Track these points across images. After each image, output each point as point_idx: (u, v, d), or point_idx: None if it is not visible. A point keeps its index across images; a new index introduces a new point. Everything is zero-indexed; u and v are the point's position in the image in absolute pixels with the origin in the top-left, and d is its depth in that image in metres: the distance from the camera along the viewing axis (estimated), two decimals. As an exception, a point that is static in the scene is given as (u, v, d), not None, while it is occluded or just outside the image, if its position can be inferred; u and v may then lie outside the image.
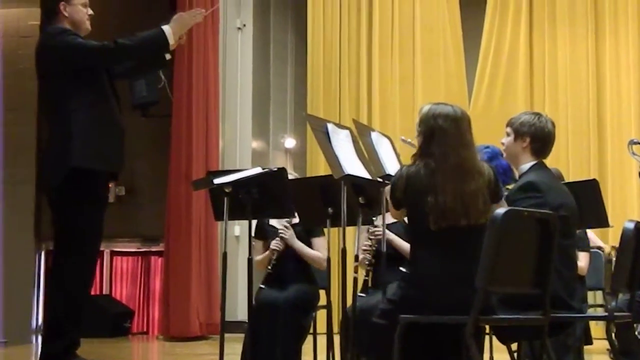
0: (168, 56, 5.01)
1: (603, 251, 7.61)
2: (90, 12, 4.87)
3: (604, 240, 8.52)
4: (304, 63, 11.22)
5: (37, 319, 11.04)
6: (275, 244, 5.87)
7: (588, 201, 5.45)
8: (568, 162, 9.99)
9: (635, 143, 8.11)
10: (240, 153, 10.70)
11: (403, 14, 11.11)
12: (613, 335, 5.07)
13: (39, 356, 4.49)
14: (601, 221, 6.08)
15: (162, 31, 4.72)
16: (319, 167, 10.40)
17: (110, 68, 4.88)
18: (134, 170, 10.74)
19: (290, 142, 11.51)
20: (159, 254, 11.11)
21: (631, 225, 4.65)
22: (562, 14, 10.90)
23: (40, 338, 10.44)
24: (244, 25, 11.00)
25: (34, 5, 11.39)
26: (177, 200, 9.58)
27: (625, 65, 10.59)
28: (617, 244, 7.20)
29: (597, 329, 7.83)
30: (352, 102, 10.92)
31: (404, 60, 11.05)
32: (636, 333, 6.74)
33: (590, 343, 7.11)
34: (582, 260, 6.01)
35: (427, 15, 11.12)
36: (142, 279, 11.62)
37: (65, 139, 4.50)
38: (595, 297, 8.53)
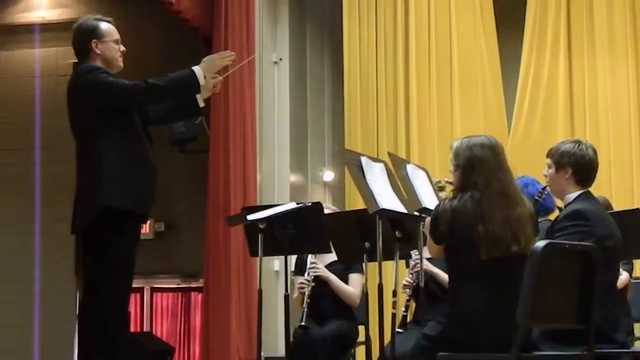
0: (202, 103, 4.99)
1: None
2: (123, 49, 4.87)
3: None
4: (341, 95, 11.19)
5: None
6: (300, 286, 5.84)
7: (633, 231, 5.33)
8: (611, 191, 9.83)
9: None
10: (279, 187, 10.66)
11: (440, 45, 11.06)
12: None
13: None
14: (640, 252, 5.97)
15: (192, 71, 4.69)
16: (358, 201, 10.29)
17: (145, 114, 4.86)
18: (172, 206, 10.77)
19: (328, 176, 11.47)
20: (198, 290, 11.11)
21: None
22: (602, 41, 10.80)
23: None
24: (281, 59, 11.00)
25: (68, 44, 11.46)
26: (215, 236, 9.56)
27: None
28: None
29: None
30: (390, 135, 10.87)
31: (442, 92, 10.99)
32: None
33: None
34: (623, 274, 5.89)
35: (464, 45, 11.07)
36: (182, 316, 11.61)
37: (96, 179, 4.47)
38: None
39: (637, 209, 6.18)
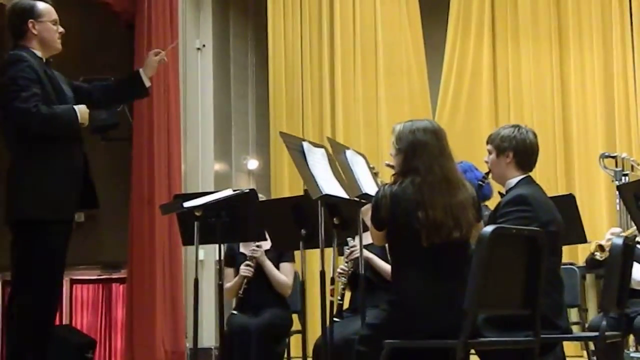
0: (148, 82, 4.96)
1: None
2: (62, 30, 4.70)
3: (573, 257, 8.49)
4: (266, 83, 11.12)
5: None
6: (244, 269, 5.78)
7: (566, 217, 5.36)
8: (535, 177, 9.93)
9: (607, 157, 8.12)
10: (203, 176, 10.59)
11: (365, 34, 11.07)
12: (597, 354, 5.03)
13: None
14: (580, 237, 6.03)
15: (74, 109, 4.57)
16: (284, 189, 10.31)
17: (89, 99, 4.74)
18: (92, 196, 10.56)
19: (252, 164, 11.42)
20: (120, 280, 10.92)
21: (619, 242, 4.57)
22: (525, 29, 10.91)
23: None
24: (204, 45, 10.90)
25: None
26: (140, 226, 9.44)
27: (590, 80, 10.61)
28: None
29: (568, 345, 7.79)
30: (316, 123, 10.84)
31: (367, 80, 10.99)
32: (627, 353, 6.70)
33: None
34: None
35: (388, 34, 11.09)
36: (104, 308, 11.39)
37: (15, 186, 4.38)
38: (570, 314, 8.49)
39: (570, 194, 6.24)
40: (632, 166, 7.84)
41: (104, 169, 10.33)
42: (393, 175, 4.15)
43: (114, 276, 11.18)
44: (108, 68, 9.80)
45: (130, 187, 9.64)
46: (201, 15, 11.04)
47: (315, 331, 5.83)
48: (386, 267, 5.13)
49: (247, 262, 5.81)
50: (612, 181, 7.92)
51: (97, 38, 10.51)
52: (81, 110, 4.55)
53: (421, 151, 4.04)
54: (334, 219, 4.62)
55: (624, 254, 4.65)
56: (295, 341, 5.81)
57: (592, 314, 7.59)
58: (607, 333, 4.71)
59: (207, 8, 11.06)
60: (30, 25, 4.53)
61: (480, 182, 4.82)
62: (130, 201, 9.61)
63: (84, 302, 11.12)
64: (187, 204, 4.93)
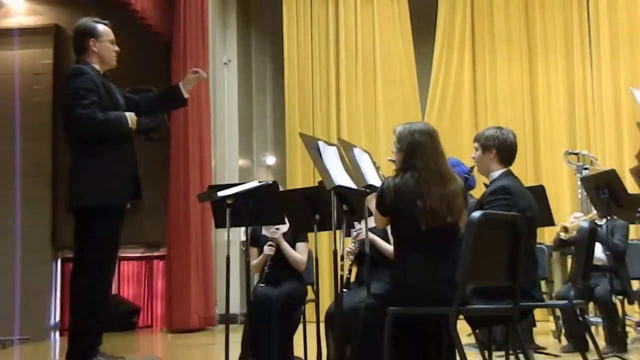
0: (186, 95, 4.91)
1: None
2: (117, 49, 4.67)
3: (540, 237, 8.46)
4: (281, 91, 11.13)
5: (54, 318, 10.82)
6: (267, 248, 5.77)
7: (538, 204, 5.35)
8: (509, 171, 9.93)
9: (570, 153, 8.10)
10: (229, 170, 10.63)
11: (365, 50, 11.08)
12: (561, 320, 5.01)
13: (65, 356, 4.28)
14: (548, 221, 6.02)
15: (125, 116, 4.56)
16: (297, 181, 10.31)
17: (136, 108, 4.72)
18: (138, 187, 10.57)
19: (270, 160, 11.43)
20: (160, 258, 10.93)
21: (586, 225, 4.56)
22: (500, 46, 10.93)
23: (56, 335, 10.28)
24: (230, 60, 10.92)
25: (47, 46, 11.23)
26: (176, 212, 9.48)
27: (554, 89, 10.62)
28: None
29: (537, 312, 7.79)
30: (324, 124, 10.87)
31: (367, 89, 11.01)
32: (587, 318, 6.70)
33: (535, 325, 7.03)
34: None
35: (385, 50, 11.11)
36: (146, 280, 11.42)
37: (79, 179, 4.36)
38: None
39: (541, 185, 6.22)
40: (592, 161, 7.83)
41: (145, 165, 10.32)
42: (395, 170, 4.13)
43: (155, 254, 11.19)
44: (149, 81, 9.78)
45: (168, 180, 9.64)
46: (227, 35, 11.05)
47: (326, 300, 5.82)
48: (387, 247, 5.10)
49: (270, 242, 5.80)
50: (575, 174, 7.88)
51: (140, 55, 10.48)
52: (131, 116, 4.54)
53: (418, 150, 4.02)
54: (344, 206, 4.58)
55: (590, 235, 4.64)
56: (309, 309, 5.78)
57: (558, 285, 7.57)
58: (574, 301, 4.71)
59: (232, 29, 11.07)
60: (91, 43, 4.50)
61: (467, 175, 4.80)
62: (169, 191, 9.62)
63: (130, 275, 11.15)
64: (220, 193, 4.90)
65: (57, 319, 10.92)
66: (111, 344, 4.40)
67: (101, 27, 4.56)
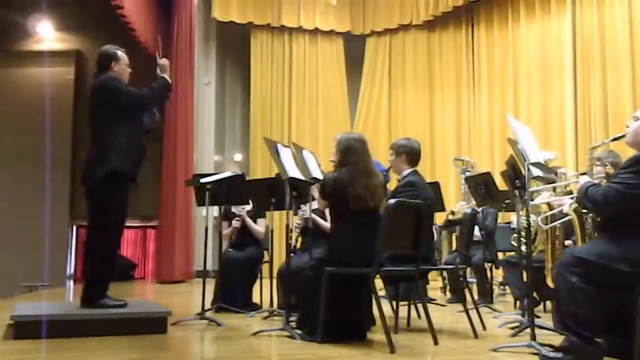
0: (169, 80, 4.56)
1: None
2: (130, 70, 4.50)
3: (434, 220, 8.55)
4: (248, 106, 11.08)
5: (69, 269, 10.58)
6: (235, 222, 5.71)
7: (434, 195, 5.39)
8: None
9: (457, 159, 8.19)
10: (207, 163, 10.50)
11: (311, 78, 11.09)
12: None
13: (81, 297, 4.15)
14: (441, 207, 6.07)
15: (167, 80, 4.43)
16: (257, 173, 10.26)
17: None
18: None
19: (238, 157, 11.32)
20: (152, 227, 10.74)
21: (468, 211, 4.63)
22: (410, 81, 11.08)
23: (71, 282, 10.04)
24: (209, 81, 10.79)
25: (69, 65, 10.98)
26: (166, 192, 9.35)
27: (447, 112, 10.79)
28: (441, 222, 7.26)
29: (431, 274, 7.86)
30: (279, 133, 10.86)
31: (312, 107, 11.02)
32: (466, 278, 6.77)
33: (428, 283, 7.10)
34: None
35: (325, 79, 11.15)
36: (141, 243, 11.20)
37: (108, 152, 4.14)
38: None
39: (437, 181, 6.27)
40: (472, 165, 7.92)
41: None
42: (334, 165, 4.11)
43: (148, 224, 10.99)
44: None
45: (161, 168, 9.49)
46: (208, 62, 10.92)
47: (278, 262, 5.80)
48: (324, 223, 5.11)
49: (237, 218, 5.74)
50: (460, 174, 7.98)
51: (142, 74, 10.28)
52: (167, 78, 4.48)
53: (352, 152, 4.01)
54: (294, 192, 4.55)
55: (470, 218, 4.71)
56: (265, 268, 5.74)
57: (445, 254, 7.65)
58: (459, 266, 4.77)
59: (212, 57, 10.95)
60: (113, 64, 4.34)
61: (384, 173, 4.82)
62: (161, 177, 9.48)
63: (129, 240, 10.92)
64: (202, 180, 4.83)
65: (72, 270, 10.68)
66: (114, 291, 4.28)
67: (120, 53, 4.42)
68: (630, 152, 3.13)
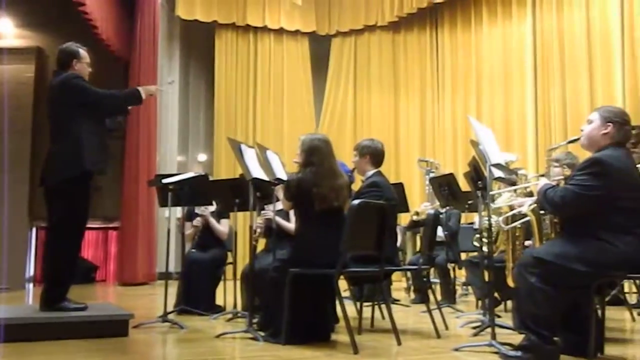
0: (144, 96, 4.43)
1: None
2: (90, 69, 4.44)
3: (398, 221, 8.63)
4: (212, 106, 10.99)
5: (29, 272, 10.36)
6: (196, 222, 5.69)
7: (398, 196, 5.44)
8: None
9: (421, 160, 8.28)
10: (170, 164, 10.39)
11: (276, 78, 11.08)
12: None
13: (40, 300, 4.07)
14: (405, 208, 6.15)
15: (138, 90, 4.39)
16: (222, 173, 10.20)
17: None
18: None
19: (202, 157, 11.24)
20: (114, 229, 10.58)
21: (432, 212, 4.68)
22: (375, 82, 11.15)
23: (31, 285, 9.84)
24: (173, 80, 10.67)
25: (29, 62, 10.75)
26: (129, 193, 9.22)
27: (412, 114, 10.89)
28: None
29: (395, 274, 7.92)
30: (244, 133, 10.82)
31: (277, 107, 11.01)
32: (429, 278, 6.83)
33: (392, 284, 7.16)
34: None
35: (291, 79, 11.13)
36: (103, 245, 11.03)
37: (80, 151, 4.07)
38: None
39: (401, 182, 6.33)
40: (436, 167, 8.02)
41: (106, 157, 10.03)
42: (299, 166, 4.12)
43: (110, 226, 10.82)
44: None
45: (123, 169, 9.37)
46: (172, 61, 10.81)
47: (242, 263, 5.78)
48: (287, 225, 5.12)
49: (198, 218, 5.71)
50: (424, 175, 8.07)
51: (103, 72, 10.14)
52: (142, 89, 4.41)
53: (316, 152, 4.02)
54: (258, 193, 4.55)
55: (434, 219, 4.76)
56: (229, 269, 5.72)
57: (409, 254, 7.73)
58: (422, 266, 4.82)
59: (176, 56, 10.85)
60: (74, 62, 4.28)
61: (349, 174, 4.84)
62: (123, 177, 9.35)
63: (90, 241, 10.71)
64: (164, 180, 4.79)
65: (32, 273, 10.46)
66: (75, 294, 4.22)
67: (82, 51, 4.37)
68: (588, 154, 3.23)
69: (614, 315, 5.29)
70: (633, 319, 5.09)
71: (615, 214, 3.03)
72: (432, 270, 7.11)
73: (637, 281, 5.24)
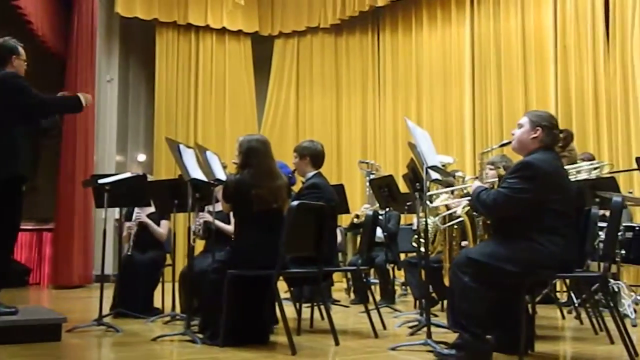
0: (85, 103, 4.39)
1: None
2: (26, 66, 4.32)
3: (339, 222, 8.70)
4: (152, 105, 10.77)
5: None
6: (129, 225, 5.59)
7: (338, 197, 5.48)
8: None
9: (362, 162, 8.37)
10: (108, 164, 10.18)
11: (218, 78, 10.99)
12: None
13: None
14: (345, 209, 6.19)
15: (78, 97, 4.31)
16: (162, 174, 10.03)
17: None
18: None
19: (141, 157, 11.02)
20: (48, 230, 10.27)
21: (370, 213, 4.74)
22: (317, 84, 11.20)
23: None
24: (112, 78, 10.46)
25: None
26: (65, 194, 8.97)
27: (353, 116, 10.97)
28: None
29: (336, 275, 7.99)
30: (184, 133, 10.66)
31: (218, 108, 10.92)
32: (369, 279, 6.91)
33: (333, 284, 7.21)
34: None
35: (233, 80, 11.07)
36: (36, 247, 10.68)
37: (15, 153, 3.95)
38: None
39: (341, 184, 6.38)
40: (377, 168, 8.11)
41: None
42: (237, 167, 4.12)
43: (44, 227, 10.50)
44: (45, 92, 9.22)
45: (58, 169, 9.11)
46: (111, 59, 10.58)
47: (181, 265, 5.71)
48: (225, 227, 5.09)
49: (130, 223, 5.61)
50: (365, 177, 8.15)
51: (39, 70, 9.82)
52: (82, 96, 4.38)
53: (254, 153, 4.02)
54: (197, 194, 4.51)
55: (373, 220, 4.83)
56: (168, 271, 5.64)
57: (350, 255, 7.80)
58: (361, 267, 4.87)
59: (115, 54, 10.61)
60: (12, 58, 4.17)
61: (290, 176, 4.86)
62: (59, 178, 9.09)
63: (23, 244, 10.35)
64: (100, 181, 4.69)
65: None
66: (6, 297, 4.09)
67: (20, 48, 4.27)
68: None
69: (545, 314, 5.49)
70: (563, 317, 5.29)
71: (544, 216, 3.15)
72: (371, 271, 7.22)
73: (567, 280, 5.44)
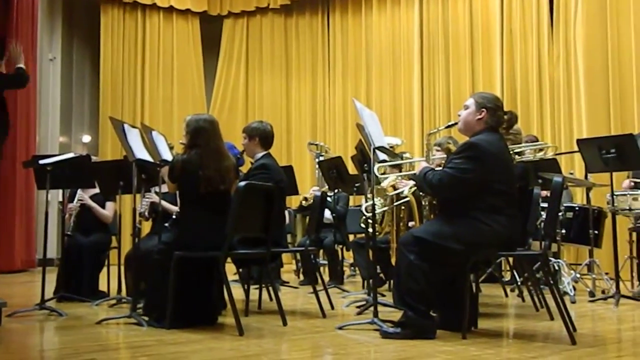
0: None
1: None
2: None
3: (288, 204, 8.70)
4: (97, 84, 10.51)
5: None
6: (70, 206, 5.45)
7: (288, 179, 5.48)
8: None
9: (311, 144, 8.36)
10: (51, 146, 9.87)
11: (165, 57, 10.78)
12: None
13: None
14: (294, 191, 6.20)
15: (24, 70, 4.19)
16: (107, 155, 9.83)
17: None
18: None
19: (86, 138, 10.74)
20: (-11, 213, 9.94)
21: (319, 194, 4.74)
22: (267, 63, 11.11)
23: None
24: (55, 57, 10.13)
25: None
26: (5, 176, 8.61)
27: (303, 96, 10.95)
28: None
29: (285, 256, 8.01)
30: (130, 113, 10.44)
31: (166, 87, 10.73)
32: (318, 260, 6.93)
33: (282, 266, 7.22)
34: None
35: (181, 59, 10.89)
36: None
37: None
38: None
39: (290, 165, 6.37)
40: (326, 150, 8.12)
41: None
42: (184, 147, 4.05)
43: (-15, 210, 10.15)
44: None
45: (-2, 150, 8.79)
46: (53, 37, 10.23)
47: (127, 247, 5.62)
48: (173, 208, 5.02)
49: (73, 203, 5.46)
50: (314, 159, 8.16)
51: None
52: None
53: (202, 133, 3.95)
54: (142, 175, 4.42)
55: (321, 201, 4.84)
56: (113, 253, 5.53)
57: (299, 237, 7.82)
58: (309, 248, 4.89)
59: (57, 31, 10.27)
60: None
61: (238, 156, 4.82)
62: (-1, 160, 8.77)
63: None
64: (42, 162, 4.55)
65: None
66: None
67: None
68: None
69: (489, 292, 5.62)
70: (506, 295, 5.43)
71: (488, 196, 3.21)
72: (320, 252, 7.27)
73: (510, 259, 5.58)
